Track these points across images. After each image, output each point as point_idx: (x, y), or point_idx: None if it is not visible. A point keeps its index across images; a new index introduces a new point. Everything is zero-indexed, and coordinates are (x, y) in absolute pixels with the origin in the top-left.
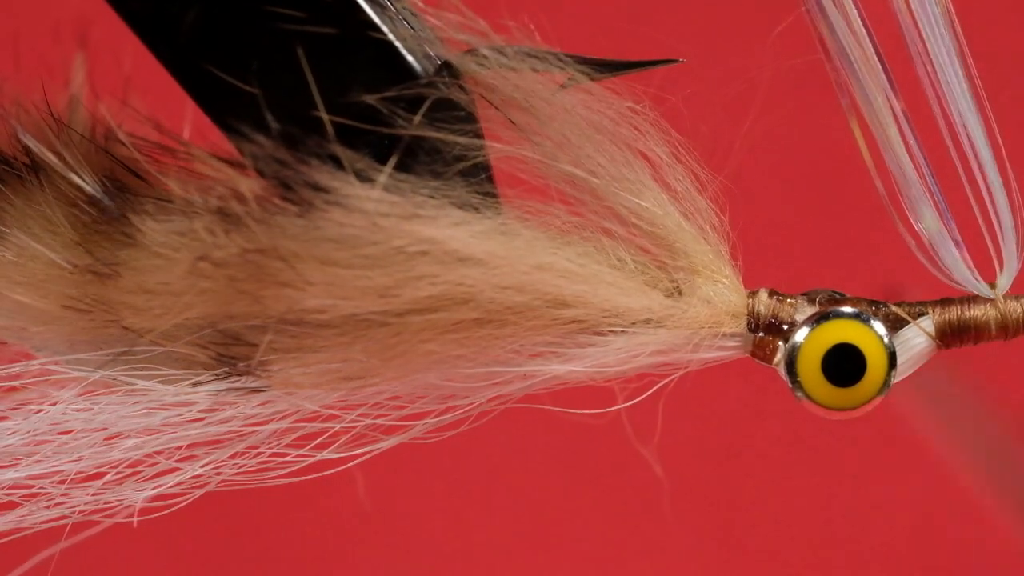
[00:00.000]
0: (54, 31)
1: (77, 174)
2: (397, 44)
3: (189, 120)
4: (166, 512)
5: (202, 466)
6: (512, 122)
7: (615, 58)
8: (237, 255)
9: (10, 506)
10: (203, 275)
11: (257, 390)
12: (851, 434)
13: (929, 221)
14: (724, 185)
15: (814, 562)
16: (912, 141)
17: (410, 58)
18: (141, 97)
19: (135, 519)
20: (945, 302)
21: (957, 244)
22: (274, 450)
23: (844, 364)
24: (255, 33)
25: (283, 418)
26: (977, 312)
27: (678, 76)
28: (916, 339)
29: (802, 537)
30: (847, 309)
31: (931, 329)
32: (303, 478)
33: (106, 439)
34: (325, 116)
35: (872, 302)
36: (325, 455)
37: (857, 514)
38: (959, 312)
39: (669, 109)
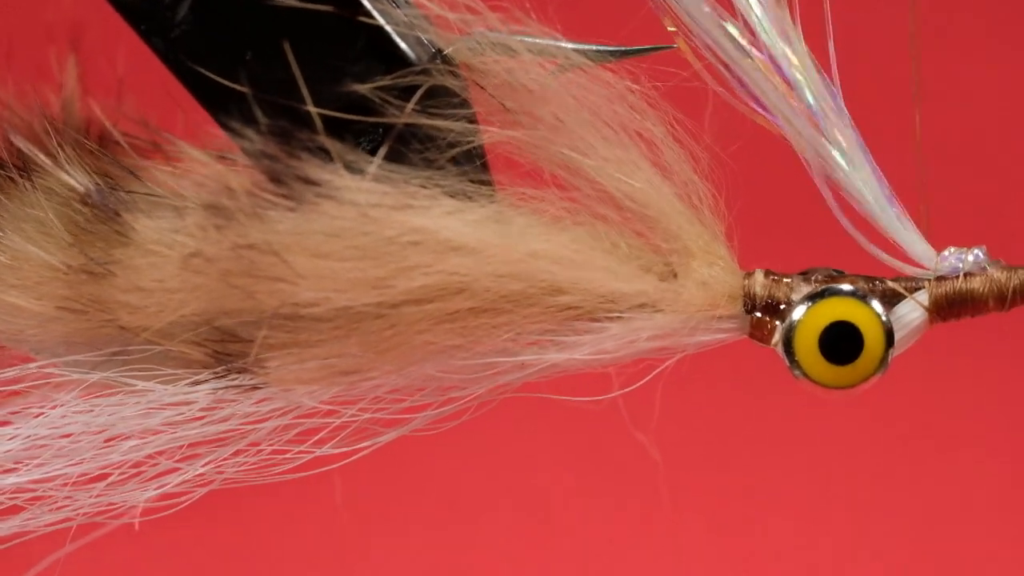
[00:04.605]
0: (47, 31)
1: (69, 174)
2: (390, 31)
3: (183, 116)
4: (169, 512)
5: (203, 465)
6: (506, 107)
7: (611, 43)
8: (229, 250)
9: (14, 510)
10: (196, 271)
11: (255, 387)
12: (851, 416)
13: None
14: (721, 163)
15: (811, 548)
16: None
17: (403, 45)
18: (132, 94)
19: (137, 520)
20: (941, 276)
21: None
22: (275, 447)
23: (841, 342)
24: (249, 24)
25: (282, 415)
26: (974, 284)
27: (675, 57)
28: (912, 314)
29: (799, 521)
30: (843, 287)
31: (927, 303)
32: (304, 474)
33: (106, 440)
34: (313, 110)
35: (869, 279)
36: (325, 450)
37: (855, 499)
38: (955, 285)
39: (667, 88)
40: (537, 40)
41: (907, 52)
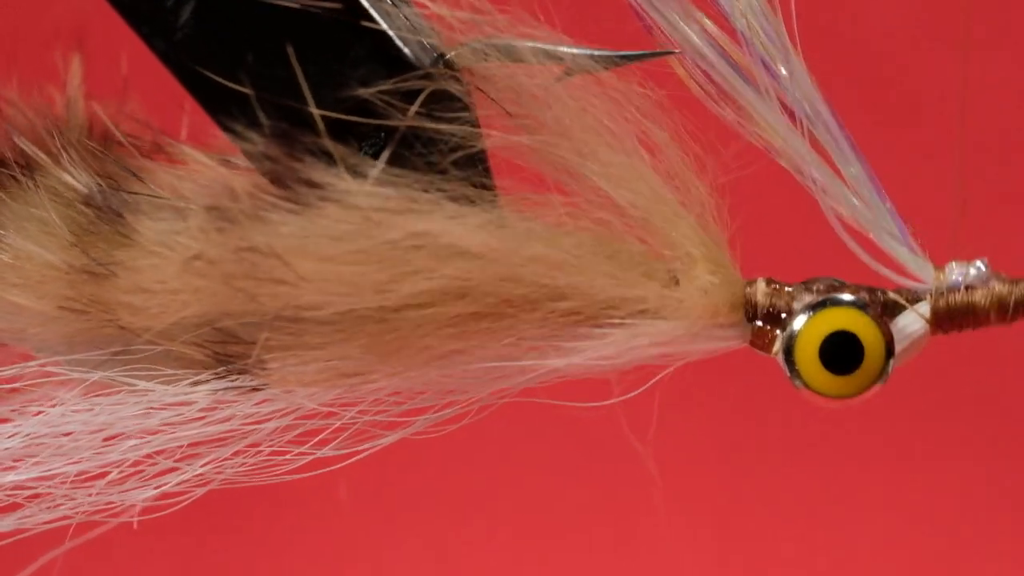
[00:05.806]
0: (52, 30)
1: (71, 174)
2: (392, 35)
3: (187, 118)
4: (168, 512)
5: (202, 465)
6: (509, 112)
7: (614, 48)
8: (231, 253)
9: (12, 508)
10: (198, 273)
11: (256, 388)
12: (851, 425)
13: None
14: (726, 171)
15: (811, 556)
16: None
17: (406, 50)
18: (137, 94)
19: (135, 519)
20: (943, 288)
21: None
22: (274, 448)
23: (842, 352)
24: (252, 27)
25: (283, 416)
26: (976, 297)
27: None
28: (914, 325)
29: (799, 532)
30: (844, 296)
31: (928, 314)
32: (304, 475)
33: (106, 439)
34: (316, 112)
35: (871, 289)
36: (326, 452)
37: (855, 509)
38: (956, 297)
39: (672, 94)
40: (541, 45)
41: (906, 60)
